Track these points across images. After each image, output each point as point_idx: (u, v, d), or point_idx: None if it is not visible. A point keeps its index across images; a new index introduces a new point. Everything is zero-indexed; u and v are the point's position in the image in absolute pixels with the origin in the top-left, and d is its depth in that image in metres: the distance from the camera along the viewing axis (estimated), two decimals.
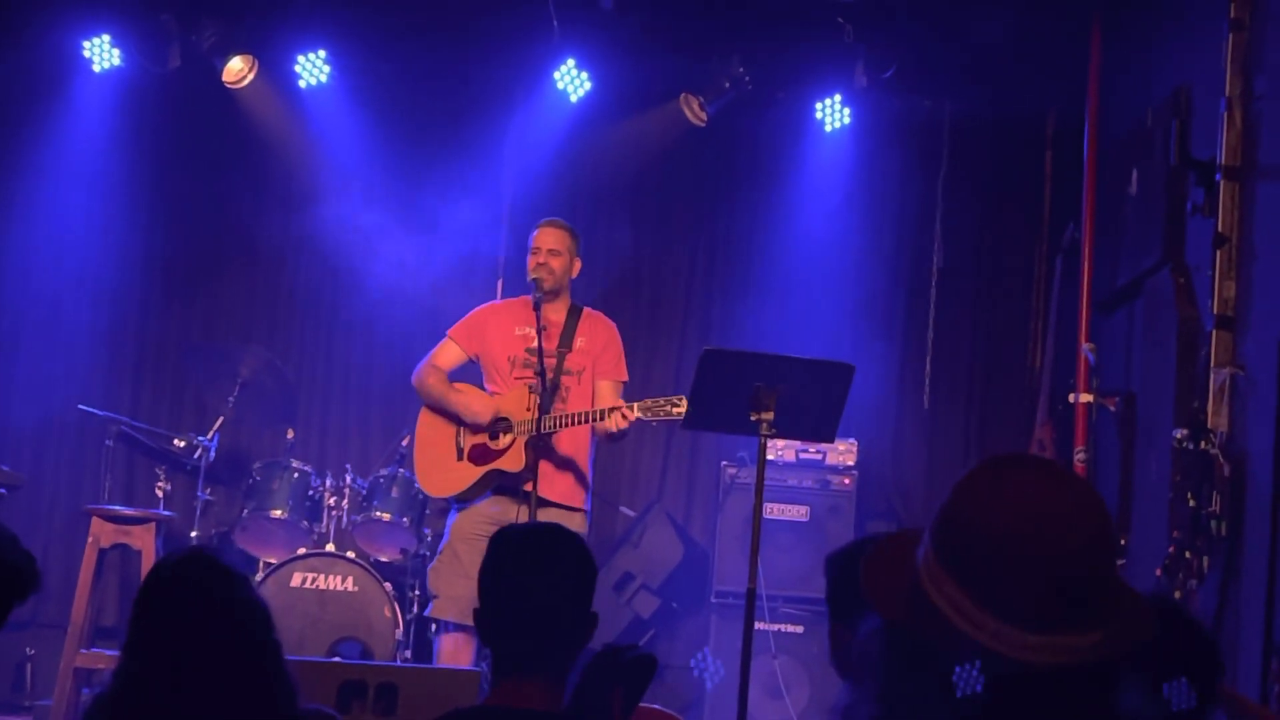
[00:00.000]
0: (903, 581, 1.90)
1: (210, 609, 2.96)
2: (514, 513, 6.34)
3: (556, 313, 6.68)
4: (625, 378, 6.84)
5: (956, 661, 1.81)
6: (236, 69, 8.60)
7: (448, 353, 6.80)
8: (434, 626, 6.90)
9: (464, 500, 6.64)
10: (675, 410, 6.12)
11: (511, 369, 6.65)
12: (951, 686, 1.82)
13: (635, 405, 6.30)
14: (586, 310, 6.79)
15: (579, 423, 6.47)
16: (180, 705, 2.89)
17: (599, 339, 6.76)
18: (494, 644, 2.99)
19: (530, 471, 6.33)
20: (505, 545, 3.06)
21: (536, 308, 6.46)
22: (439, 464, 6.69)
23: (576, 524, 6.53)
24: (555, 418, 6.45)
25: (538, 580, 2.95)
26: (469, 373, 6.84)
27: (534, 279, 6.59)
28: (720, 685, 7.82)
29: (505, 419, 6.54)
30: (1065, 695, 1.81)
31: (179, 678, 2.90)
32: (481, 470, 6.57)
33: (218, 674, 2.90)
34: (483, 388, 6.74)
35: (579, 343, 6.66)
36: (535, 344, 6.51)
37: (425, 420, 6.80)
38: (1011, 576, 1.78)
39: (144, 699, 2.92)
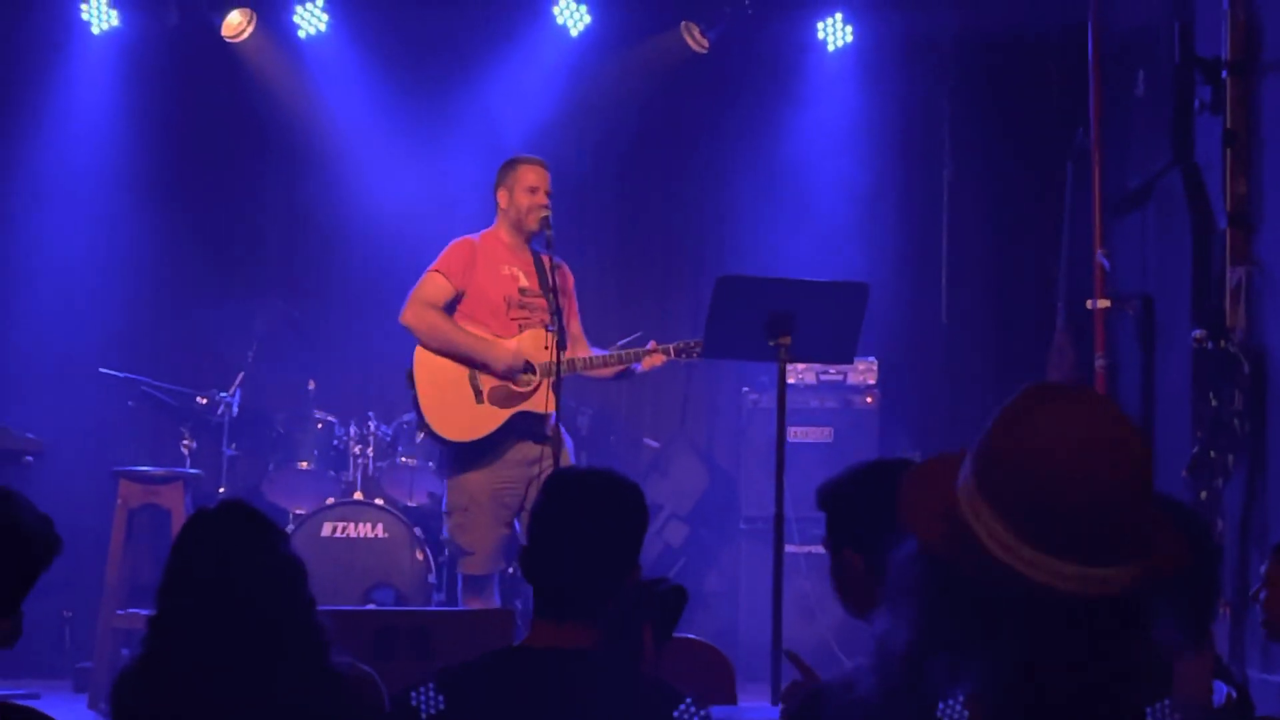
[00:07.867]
0: (941, 505, 1.90)
1: (244, 563, 2.96)
2: (539, 453, 6.33)
3: (525, 253, 6.57)
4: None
5: (992, 588, 1.81)
6: (235, 23, 8.58)
7: (439, 289, 6.48)
8: (461, 581, 6.66)
9: (487, 444, 6.55)
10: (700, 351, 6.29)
11: (508, 309, 6.49)
12: (989, 613, 1.82)
13: (670, 347, 6.40)
14: (543, 254, 6.53)
15: (605, 365, 6.48)
16: (210, 663, 2.90)
17: (568, 281, 6.72)
18: (538, 583, 2.97)
19: (555, 413, 6.22)
20: (566, 489, 3.03)
21: (549, 245, 6.37)
22: (457, 407, 6.45)
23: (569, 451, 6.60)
24: (585, 359, 6.45)
25: (593, 526, 2.92)
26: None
27: (544, 219, 6.44)
28: (752, 609, 7.83)
29: (527, 360, 6.51)
30: (1101, 625, 1.81)
31: (209, 634, 2.91)
32: (509, 412, 6.43)
33: (248, 631, 2.91)
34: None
35: (557, 284, 6.53)
36: (524, 284, 6.49)
37: (428, 362, 6.48)
38: (1048, 507, 1.78)
39: (174, 657, 2.94)
